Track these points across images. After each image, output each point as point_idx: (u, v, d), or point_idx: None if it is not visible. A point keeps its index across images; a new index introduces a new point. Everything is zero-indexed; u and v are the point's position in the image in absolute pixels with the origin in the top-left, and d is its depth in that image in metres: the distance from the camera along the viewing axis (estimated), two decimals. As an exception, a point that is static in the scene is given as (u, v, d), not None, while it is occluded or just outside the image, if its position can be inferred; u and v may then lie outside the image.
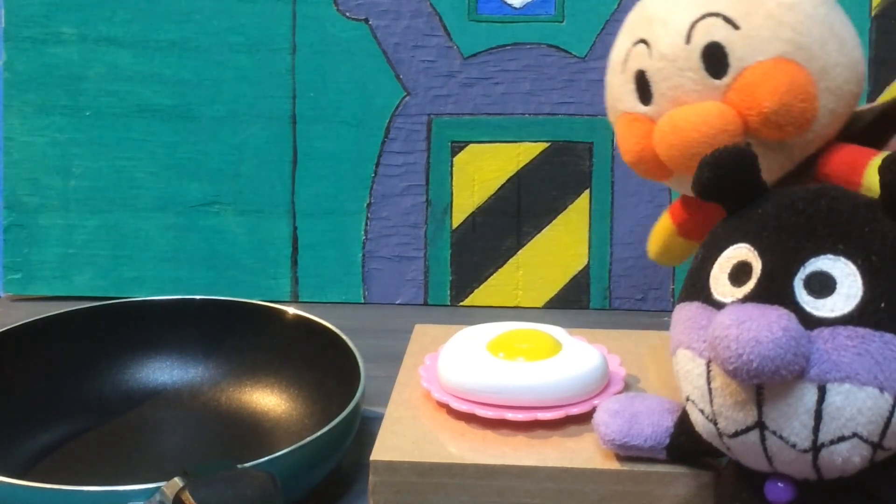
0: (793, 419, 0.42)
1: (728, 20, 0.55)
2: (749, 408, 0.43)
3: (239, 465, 0.48)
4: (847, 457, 0.42)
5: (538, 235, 0.86)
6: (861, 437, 0.42)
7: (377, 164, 0.87)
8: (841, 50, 0.56)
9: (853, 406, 0.41)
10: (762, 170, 0.57)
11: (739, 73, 0.55)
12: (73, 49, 0.86)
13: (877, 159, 0.54)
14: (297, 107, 0.87)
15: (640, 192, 0.85)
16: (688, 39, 0.56)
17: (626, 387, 0.59)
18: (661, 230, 0.68)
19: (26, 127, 0.87)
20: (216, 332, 0.71)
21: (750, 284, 0.44)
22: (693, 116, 0.55)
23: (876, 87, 0.84)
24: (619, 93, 0.60)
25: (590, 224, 0.86)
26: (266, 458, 0.52)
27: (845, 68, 0.56)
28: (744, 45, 0.55)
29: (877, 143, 0.58)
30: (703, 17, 0.56)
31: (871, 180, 0.54)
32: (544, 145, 0.85)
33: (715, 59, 0.55)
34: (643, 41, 0.58)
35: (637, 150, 0.59)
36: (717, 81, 0.55)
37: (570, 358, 0.57)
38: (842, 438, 0.42)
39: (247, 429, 0.66)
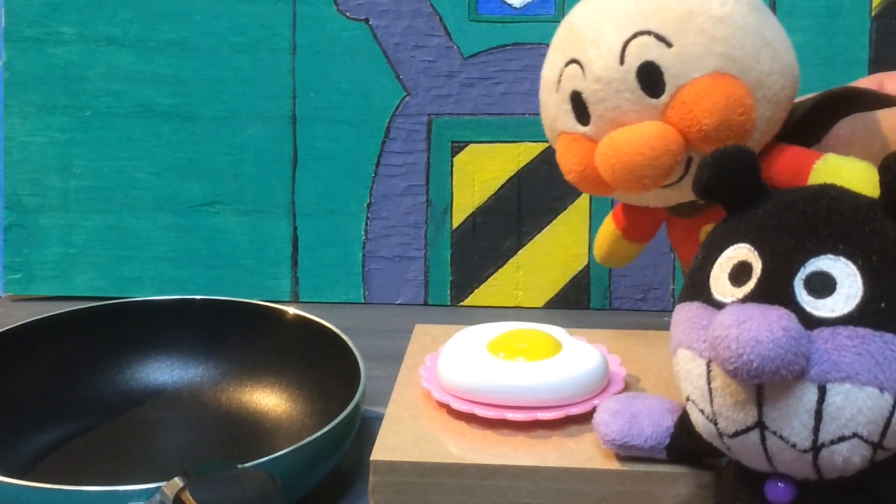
0: (793, 419, 0.42)
1: (660, 38, 0.55)
2: (749, 408, 0.43)
3: (239, 465, 0.48)
4: (847, 457, 0.42)
5: (538, 235, 0.86)
6: (861, 437, 0.42)
7: (377, 164, 0.87)
8: (774, 58, 0.56)
9: (853, 406, 0.41)
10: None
11: (676, 91, 0.55)
12: (73, 49, 0.86)
13: (820, 163, 0.54)
14: (298, 107, 0.87)
15: (641, 192, 0.85)
16: (622, 60, 0.55)
17: (627, 387, 0.59)
18: (607, 234, 0.69)
19: (26, 127, 0.87)
20: (216, 332, 0.71)
21: (750, 284, 0.44)
22: (635, 139, 0.55)
23: (876, 87, 0.84)
24: (555, 113, 0.60)
25: (590, 224, 0.86)
26: (266, 458, 0.52)
27: (780, 76, 0.56)
28: (678, 63, 0.55)
29: (810, 137, 0.58)
30: (635, 35, 0.55)
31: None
32: (544, 145, 0.85)
33: (651, 79, 0.55)
34: (575, 62, 0.58)
35: (579, 170, 0.59)
36: (654, 101, 0.55)
37: (571, 358, 0.57)
38: (842, 438, 0.42)
39: (247, 429, 0.66)
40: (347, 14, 0.86)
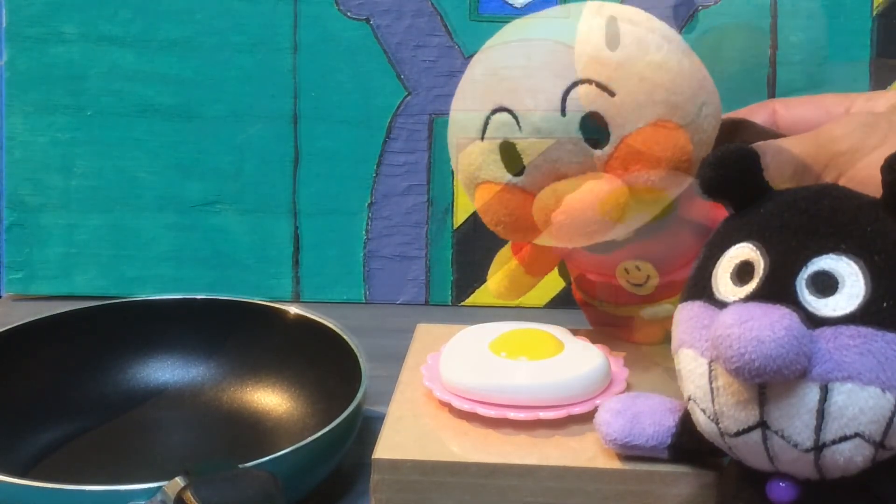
0: (795, 419, 0.42)
1: (602, 87, 0.53)
2: (751, 407, 0.43)
3: (240, 465, 0.49)
4: (849, 456, 0.42)
5: (540, 235, 0.86)
6: (863, 437, 0.42)
7: (379, 164, 0.87)
8: (707, 100, 0.55)
9: (855, 406, 0.41)
10: (632, 223, 0.56)
11: (620, 142, 0.53)
12: (74, 48, 0.86)
13: None
14: (299, 106, 0.87)
15: (642, 191, 0.85)
16: (563, 111, 0.53)
17: (629, 386, 0.59)
18: (507, 270, 0.65)
19: (28, 126, 0.87)
20: (218, 332, 0.71)
21: (753, 284, 0.44)
22: (586, 196, 0.53)
23: (876, 87, 0.84)
24: (479, 162, 0.56)
25: (591, 224, 0.85)
26: (268, 458, 0.52)
27: (713, 117, 0.55)
28: (622, 113, 0.53)
29: None
30: (575, 84, 0.53)
31: None
32: (546, 145, 0.85)
33: (595, 130, 0.53)
34: (505, 110, 0.55)
35: (510, 221, 0.56)
36: (597, 151, 0.53)
37: (573, 357, 0.57)
38: (844, 438, 0.42)
39: (248, 428, 0.66)
40: (349, 13, 0.86)
